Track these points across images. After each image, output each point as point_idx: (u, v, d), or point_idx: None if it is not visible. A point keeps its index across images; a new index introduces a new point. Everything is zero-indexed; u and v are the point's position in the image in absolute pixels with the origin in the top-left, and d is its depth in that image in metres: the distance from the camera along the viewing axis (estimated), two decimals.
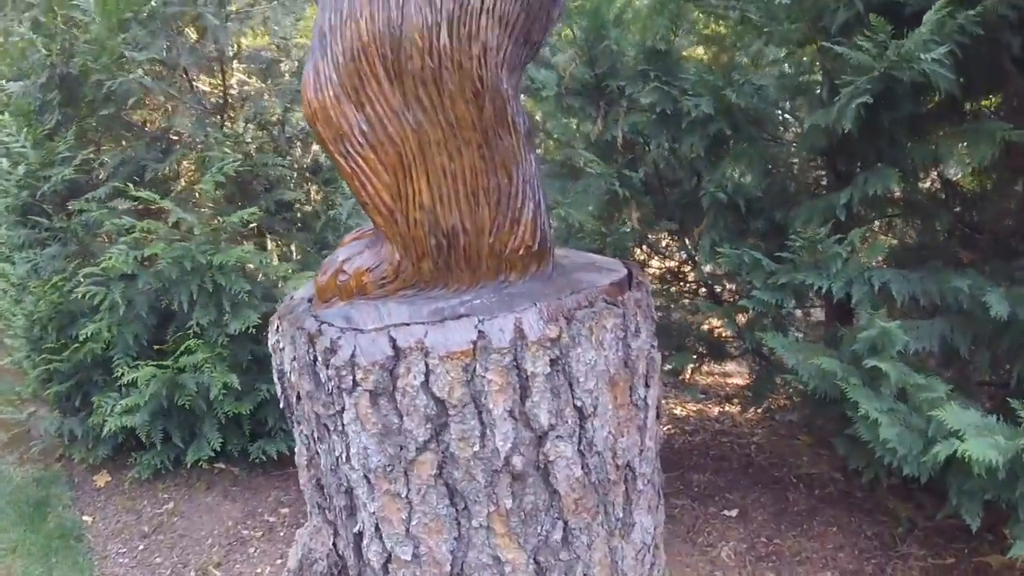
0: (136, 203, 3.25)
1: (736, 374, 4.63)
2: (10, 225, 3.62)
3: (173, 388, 3.06)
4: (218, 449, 3.31)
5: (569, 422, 1.77)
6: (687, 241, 2.74)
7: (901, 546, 2.91)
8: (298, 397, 2.02)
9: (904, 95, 2.24)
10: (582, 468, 1.83)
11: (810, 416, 3.83)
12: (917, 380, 2.22)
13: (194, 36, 3.51)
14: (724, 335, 3.20)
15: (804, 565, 2.85)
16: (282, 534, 3.08)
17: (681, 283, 3.20)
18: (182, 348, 3.05)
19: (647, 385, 2.01)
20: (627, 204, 2.51)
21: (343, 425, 1.81)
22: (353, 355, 1.71)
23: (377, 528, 1.88)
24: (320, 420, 1.89)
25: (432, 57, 1.57)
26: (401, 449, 1.73)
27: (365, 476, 1.81)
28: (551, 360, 1.69)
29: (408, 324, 1.71)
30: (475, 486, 1.74)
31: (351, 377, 1.71)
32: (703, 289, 3.14)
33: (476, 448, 1.70)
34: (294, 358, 1.92)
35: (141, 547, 3.11)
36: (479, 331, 1.66)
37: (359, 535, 1.98)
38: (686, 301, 3.22)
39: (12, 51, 3.72)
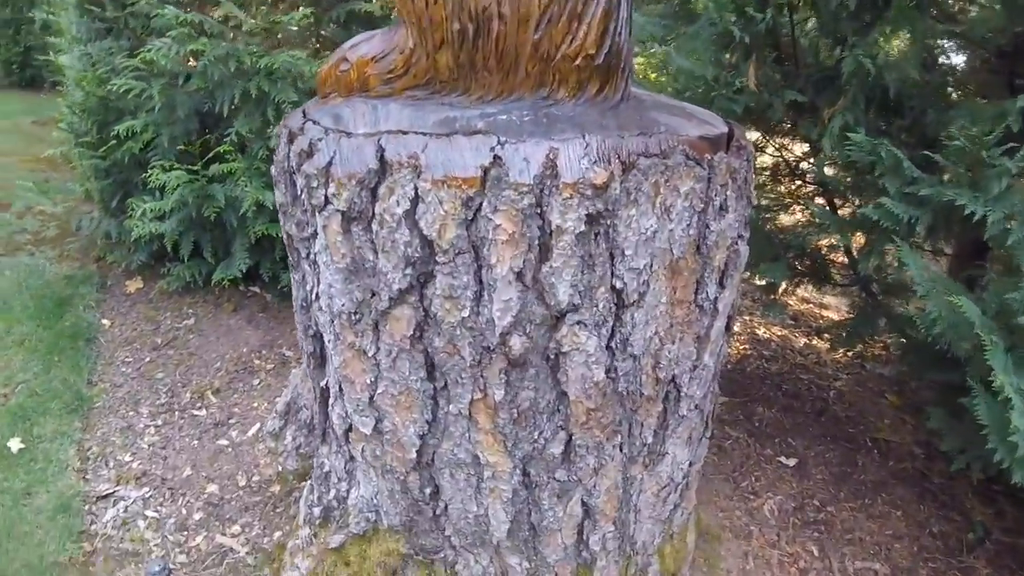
0: None
1: (834, 308, 3.95)
2: (74, 16, 3.30)
3: (203, 198, 2.73)
4: (244, 271, 2.99)
5: (600, 307, 1.27)
6: (813, 127, 2.08)
7: (967, 556, 2.34)
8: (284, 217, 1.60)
9: None
10: (607, 372, 1.35)
11: (905, 375, 3.19)
12: None
13: None
14: (833, 258, 2.57)
15: (853, 546, 2.33)
16: (293, 370, 2.81)
17: (796, 181, 2.54)
18: (212, 154, 2.69)
19: (722, 284, 1.47)
20: (746, 56, 1.88)
21: (313, 253, 1.38)
22: (330, 163, 1.24)
23: (341, 389, 1.47)
24: (293, 243, 1.46)
25: None
26: (372, 296, 1.28)
27: (332, 321, 1.39)
28: (589, 216, 1.18)
29: (405, 132, 1.21)
30: (459, 363, 1.29)
31: (323, 191, 1.25)
32: (820, 199, 2.49)
33: (466, 313, 1.23)
34: (277, 165, 1.48)
35: (148, 359, 2.91)
36: (495, 156, 1.15)
37: (325, 391, 1.59)
38: (798, 206, 2.58)
39: None
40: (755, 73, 1.85)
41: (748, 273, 2.76)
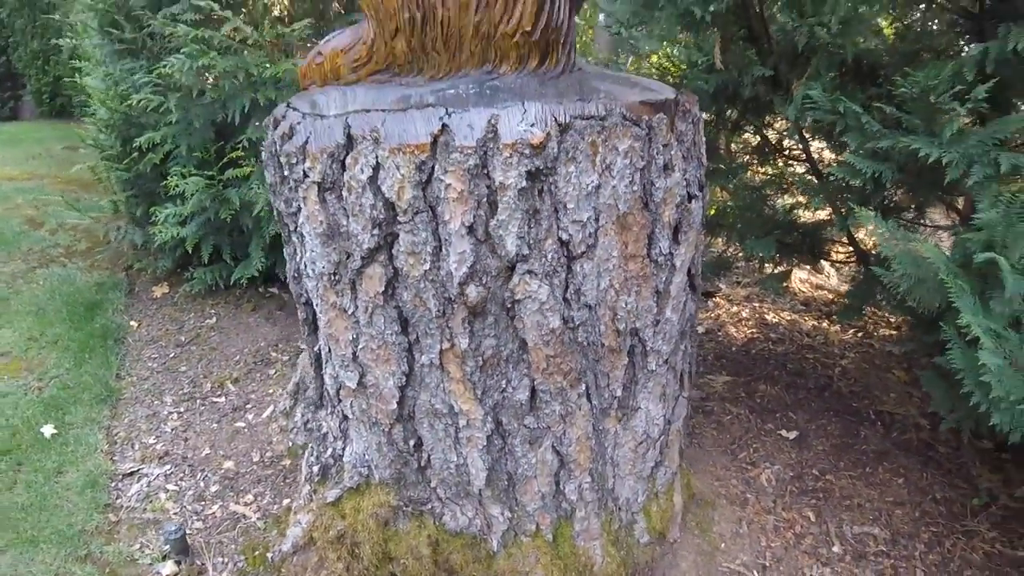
0: (198, 14, 3.09)
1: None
2: (96, 39, 3.61)
3: (220, 202, 2.98)
4: (261, 270, 3.24)
5: (549, 257, 1.43)
6: (785, 103, 2.21)
7: (971, 520, 2.38)
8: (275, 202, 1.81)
9: None
10: (563, 319, 1.51)
11: (914, 351, 3.25)
12: None
13: None
14: (825, 233, 2.66)
15: (851, 512, 2.41)
16: (303, 354, 3.02)
17: (781, 159, 2.66)
18: (226, 159, 2.94)
19: (676, 240, 1.62)
20: (709, 32, 2.03)
21: (298, 225, 1.58)
22: (306, 142, 1.44)
23: (330, 349, 1.67)
24: (283, 219, 1.67)
25: None
26: (348, 257, 1.47)
27: (316, 285, 1.58)
28: (529, 172, 1.35)
29: (368, 111, 1.41)
30: (426, 314, 1.47)
31: (301, 167, 1.45)
32: (809, 175, 2.60)
33: (427, 267, 1.41)
34: (266, 151, 1.69)
35: (172, 355, 3.18)
36: (443, 124, 1.34)
37: (318, 354, 1.78)
38: (795, 189, 2.70)
39: None
40: (720, 51, 2.00)
41: (740, 253, 2.89)
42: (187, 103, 3.02)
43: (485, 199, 1.36)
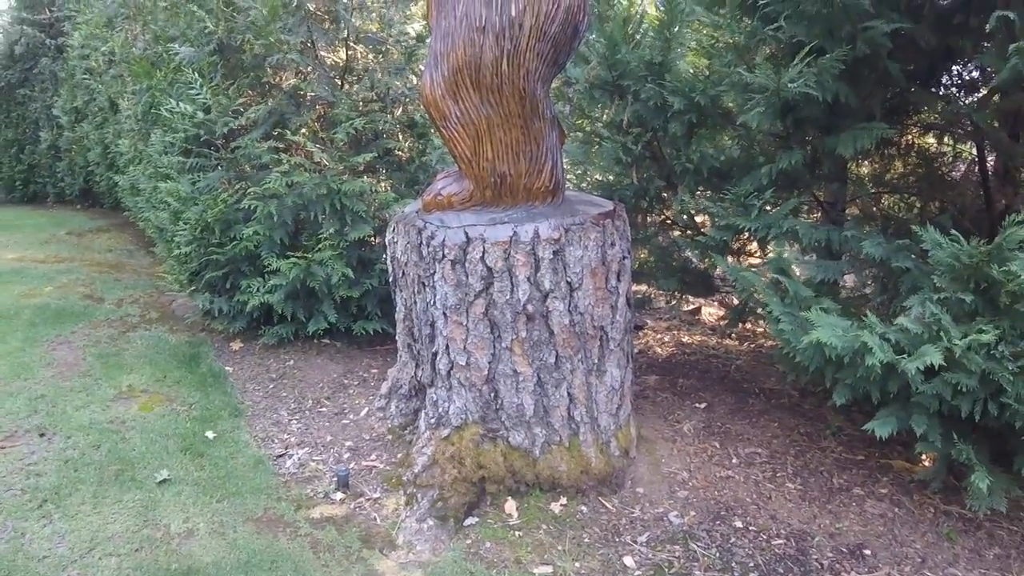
0: (280, 142, 4.98)
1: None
2: (178, 154, 5.44)
3: (307, 275, 4.79)
4: (333, 321, 5.05)
5: (563, 289, 3.38)
6: (675, 194, 4.28)
7: (824, 443, 4.37)
8: (403, 273, 3.71)
9: (798, 105, 3.69)
10: (569, 320, 3.44)
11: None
12: (807, 293, 3.73)
13: (326, 22, 5.19)
14: (715, 273, 4.71)
15: (742, 441, 4.37)
16: (372, 384, 4.81)
17: (677, 229, 4.73)
18: (317, 247, 4.78)
19: (619, 279, 3.60)
20: (629, 166, 4.04)
21: (434, 282, 3.48)
22: (444, 240, 3.36)
23: (447, 347, 3.55)
24: (420, 279, 3.57)
25: (497, 77, 3.19)
26: (466, 295, 3.38)
27: (444, 313, 3.48)
28: (554, 251, 3.31)
29: (475, 225, 3.35)
30: (505, 321, 3.38)
31: (441, 252, 3.37)
32: (690, 231, 4.69)
33: (507, 297, 3.34)
34: (407, 244, 3.60)
35: (271, 386, 4.86)
36: (514, 231, 3.29)
37: (435, 353, 3.67)
38: (685, 243, 4.75)
39: (180, 22, 5.50)
40: (636, 175, 4.02)
41: (658, 293, 4.93)
42: (280, 206, 4.87)
43: (534, 263, 3.32)
